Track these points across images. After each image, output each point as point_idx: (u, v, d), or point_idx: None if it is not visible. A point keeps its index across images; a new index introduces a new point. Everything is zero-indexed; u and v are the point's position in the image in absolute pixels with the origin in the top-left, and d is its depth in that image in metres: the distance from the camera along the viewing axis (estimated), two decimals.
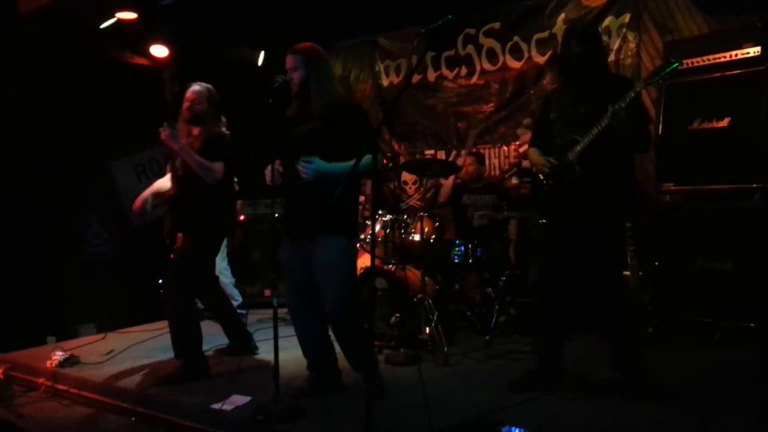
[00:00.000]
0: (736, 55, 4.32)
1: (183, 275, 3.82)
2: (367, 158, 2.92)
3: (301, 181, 3.13)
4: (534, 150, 3.49)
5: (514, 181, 5.28)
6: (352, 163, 3.09)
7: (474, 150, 5.89)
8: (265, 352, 4.31)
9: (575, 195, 3.20)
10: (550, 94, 3.69)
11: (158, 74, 5.99)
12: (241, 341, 4.39)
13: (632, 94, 3.00)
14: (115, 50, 5.89)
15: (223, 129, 3.91)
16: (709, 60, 4.44)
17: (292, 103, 3.31)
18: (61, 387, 4.04)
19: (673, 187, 4.51)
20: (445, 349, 4.08)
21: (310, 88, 3.24)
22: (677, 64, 3.03)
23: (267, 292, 6.03)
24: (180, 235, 3.99)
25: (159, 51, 5.87)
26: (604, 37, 5.27)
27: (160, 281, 5.93)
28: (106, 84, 5.70)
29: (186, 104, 3.84)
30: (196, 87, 3.88)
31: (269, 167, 3.26)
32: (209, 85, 3.93)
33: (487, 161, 5.90)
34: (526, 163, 5.36)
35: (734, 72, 4.31)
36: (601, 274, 3.20)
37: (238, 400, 3.38)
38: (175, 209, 3.91)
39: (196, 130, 3.81)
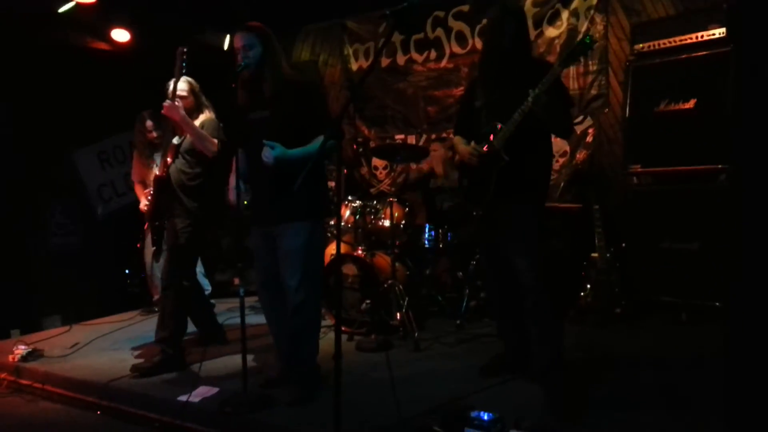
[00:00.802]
0: (702, 36, 4.35)
1: (180, 262, 3.81)
2: (321, 141, 2.89)
3: (264, 167, 3.06)
4: (459, 139, 3.42)
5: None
6: (313, 146, 3.06)
7: (443, 135, 5.86)
8: (233, 342, 4.25)
9: (503, 183, 3.13)
10: (472, 81, 3.60)
11: (120, 59, 5.82)
12: (211, 332, 4.33)
13: (551, 77, 2.93)
14: (74, 35, 5.71)
15: (212, 115, 3.90)
16: (675, 42, 4.47)
17: (241, 89, 3.19)
18: (24, 382, 3.96)
19: (640, 169, 4.54)
20: (416, 334, 4.07)
21: (265, 68, 3.16)
22: (591, 41, 2.96)
23: (236, 281, 5.96)
24: (171, 222, 3.88)
25: (120, 35, 5.71)
26: (572, 19, 5.27)
27: (127, 272, 5.88)
28: (67, 70, 5.53)
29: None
30: (179, 84, 3.76)
31: (230, 185, 3.26)
32: (188, 78, 3.85)
33: None
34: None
35: (700, 53, 4.34)
36: (522, 256, 3.11)
37: (206, 391, 3.33)
38: (160, 193, 3.81)
39: (182, 107, 3.72)
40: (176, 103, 3.63)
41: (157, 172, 3.83)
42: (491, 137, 3.13)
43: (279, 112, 3.13)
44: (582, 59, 5.16)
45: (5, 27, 5.00)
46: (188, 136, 3.76)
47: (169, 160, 3.77)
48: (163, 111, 3.62)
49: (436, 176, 5.32)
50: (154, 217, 3.85)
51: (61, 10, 5.19)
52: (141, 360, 3.94)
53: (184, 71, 3.59)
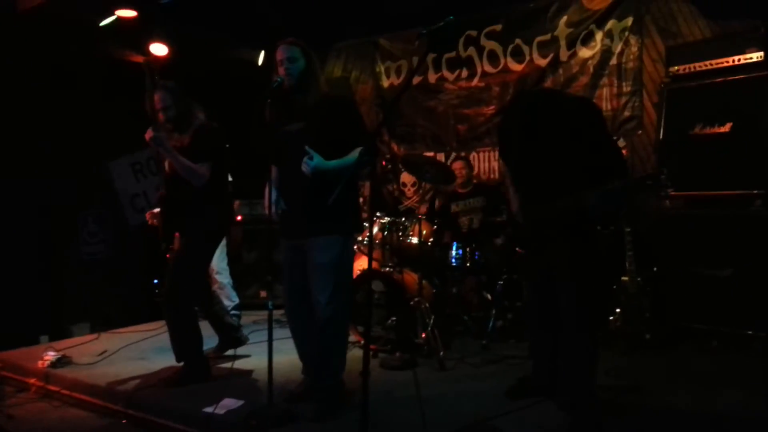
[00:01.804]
0: (739, 60, 4.28)
1: (180, 277, 3.77)
2: (357, 155, 2.97)
3: (297, 180, 3.09)
4: (509, 181, 3.45)
5: None
6: (348, 159, 3.07)
7: (462, 154, 5.86)
8: (259, 355, 4.26)
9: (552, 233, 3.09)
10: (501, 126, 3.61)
11: (157, 72, 5.94)
12: (230, 334, 4.34)
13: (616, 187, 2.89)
14: (114, 48, 5.84)
15: (202, 116, 3.85)
16: (711, 65, 4.41)
17: (273, 101, 3.18)
18: (52, 388, 4.00)
19: (673, 193, 4.46)
20: (441, 353, 4.03)
21: (309, 81, 3.20)
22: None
23: (262, 294, 5.99)
24: (177, 235, 3.93)
25: (158, 49, 5.82)
26: (606, 41, 5.25)
27: (156, 281, 5.94)
28: (105, 82, 5.66)
29: (159, 115, 3.72)
30: (156, 94, 3.73)
31: (266, 195, 3.26)
32: (167, 85, 3.77)
33: (486, 164, 5.87)
34: None
35: (736, 77, 4.27)
36: (569, 281, 3.04)
37: (231, 403, 3.33)
38: (166, 210, 3.84)
39: (164, 135, 3.67)
40: (159, 132, 3.57)
41: (161, 191, 3.85)
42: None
43: (316, 125, 3.16)
44: (616, 81, 5.17)
45: (49, 38, 5.13)
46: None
47: (167, 174, 3.76)
48: (147, 139, 3.57)
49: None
50: (165, 233, 3.87)
51: (103, 23, 5.31)
52: (167, 372, 3.96)
53: (156, 84, 3.60)
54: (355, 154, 3.10)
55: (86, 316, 5.41)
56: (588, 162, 2.99)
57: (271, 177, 3.33)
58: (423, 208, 5.47)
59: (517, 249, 3.30)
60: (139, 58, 5.94)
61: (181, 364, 3.83)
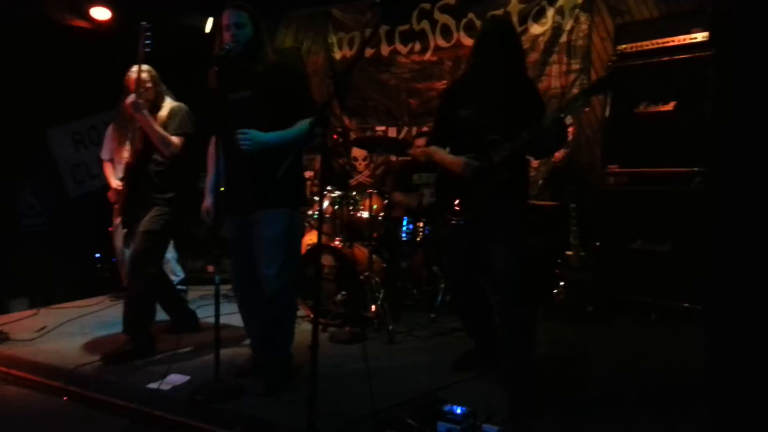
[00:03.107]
0: (685, 39, 4.38)
1: (147, 249, 3.72)
2: (305, 126, 2.96)
3: (241, 153, 3.02)
4: (436, 148, 3.38)
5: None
6: (290, 131, 3.03)
7: (424, 129, 5.83)
8: (206, 330, 4.20)
9: (493, 194, 3.12)
10: (451, 88, 3.56)
11: (99, 37, 5.69)
12: (184, 318, 4.28)
13: (561, 115, 3.04)
14: (53, 10, 5.57)
15: (174, 101, 3.84)
16: (657, 44, 4.50)
17: (215, 70, 3.10)
18: None
19: (617, 169, 4.58)
20: (391, 327, 4.06)
21: (257, 49, 3.12)
22: (586, 106, 3.05)
23: (210, 269, 5.90)
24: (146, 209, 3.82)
25: (100, 13, 5.58)
26: (557, 17, 5.28)
27: (98, 255, 5.77)
28: (43, 46, 5.39)
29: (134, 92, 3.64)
30: (133, 75, 3.69)
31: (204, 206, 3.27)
32: (147, 67, 3.75)
33: None
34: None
35: (682, 56, 4.38)
36: (507, 255, 3.08)
37: (177, 379, 3.29)
38: (132, 181, 3.73)
39: (144, 102, 3.64)
40: (140, 97, 3.56)
41: (127, 158, 3.75)
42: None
43: (262, 93, 3.08)
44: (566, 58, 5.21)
45: None
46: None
47: (138, 146, 3.68)
48: (126, 104, 3.55)
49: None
50: (128, 203, 3.77)
51: None
52: (110, 347, 3.86)
53: (148, 50, 3.52)
54: (299, 125, 3.06)
55: (25, 291, 5.21)
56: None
57: (210, 157, 3.24)
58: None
59: (451, 220, 3.25)
60: (81, 23, 5.69)
61: (127, 340, 3.75)
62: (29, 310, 4.98)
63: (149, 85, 3.75)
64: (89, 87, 5.57)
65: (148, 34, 3.50)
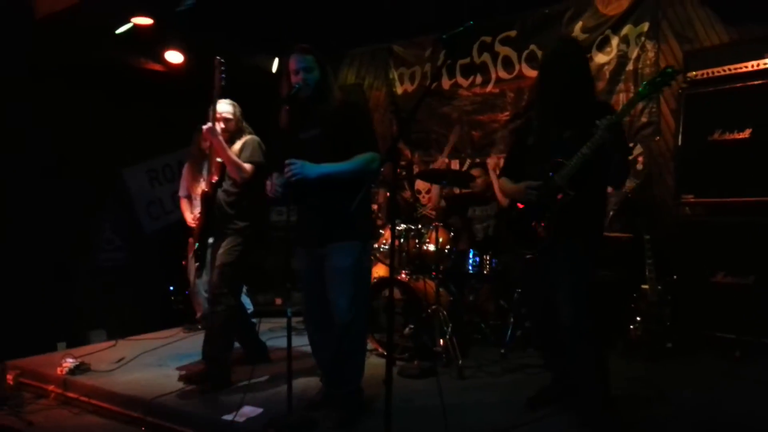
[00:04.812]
0: (758, 65, 4.24)
1: (226, 282, 3.84)
2: (366, 157, 3.05)
3: (312, 187, 3.10)
4: (504, 180, 3.33)
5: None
6: (345, 163, 3.09)
7: (477, 161, 5.83)
8: (277, 362, 4.25)
9: (562, 222, 3.00)
10: (523, 123, 3.51)
11: (171, 79, 5.97)
12: (255, 350, 4.35)
13: (628, 107, 2.95)
14: (129, 56, 5.88)
15: (253, 136, 3.99)
16: (729, 70, 4.37)
17: (286, 109, 3.21)
18: (71, 395, 4.01)
19: (692, 199, 4.43)
20: (460, 362, 4.01)
21: (325, 89, 3.21)
22: (673, 71, 2.82)
23: (278, 301, 5.99)
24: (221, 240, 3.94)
25: (174, 57, 5.85)
26: (622, 46, 5.21)
27: (171, 288, 5.96)
28: (120, 90, 5.69)
29: (219, 123, 3.83)
30: (224, 107, 3.90)
31: (269, 178, 3.23)
32: (233, 102, 3.98)
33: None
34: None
35: (755, 82, 4.24)
36: (570, 292, 2.98)
37: (250, 411, 3.33)
38: (207, 212, 3.87)
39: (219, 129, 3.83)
40: (217, 125, 3.72)
41: (204, 188, 3.89)
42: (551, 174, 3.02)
43: (331, 131, 3.17)
44: (633, 87, 5.12)
45: (65, 44, 5.17)
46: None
47: (215, 178, 3.82)
48: (203, 130, 3.72)
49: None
50: (203, 233, 3.89)
51: (119, 31, 5.34)
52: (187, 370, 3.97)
53: (223, 83, 3.67)
54: (357, 159, 3.11)
55: (103, 323, 5.43)
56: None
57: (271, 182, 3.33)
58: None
59: (527, 256, 3.19)
60: (156, 66, 5.98)
61: (203, 368, 3.85)
62: (108, 341, 5.17)
63: (230, 117, 3.92)
64: (163, 127, 5.85)
65: (223, 68, 3.66)
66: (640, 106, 5.13)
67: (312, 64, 3.19)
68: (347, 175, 3.07)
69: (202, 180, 4.16)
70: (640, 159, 5.08)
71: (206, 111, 3.83)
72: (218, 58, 3.68)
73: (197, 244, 3.92)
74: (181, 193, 4.98)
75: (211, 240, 3.98)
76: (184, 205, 4.91)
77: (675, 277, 4.34)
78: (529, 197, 3.10)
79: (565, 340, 3.03)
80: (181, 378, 3.82)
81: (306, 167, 3.06)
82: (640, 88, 2.95)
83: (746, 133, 4.26)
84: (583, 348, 2.98)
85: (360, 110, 3.44)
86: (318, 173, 3.07)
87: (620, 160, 2.98)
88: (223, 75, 3.68)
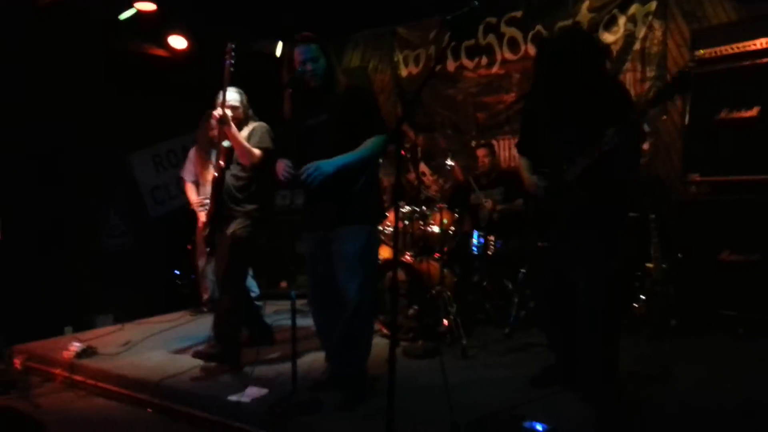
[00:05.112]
0: (766, 43, 4.18)
1: (235, 261, 3.86)
2: (375, 141, 3.06)
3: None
4: (524, 161, 3.29)
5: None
6: (358, 151, 3.09)
7: (483, 142, 5.79)
8: (282, 344, 4.27)
9: (577, 216, 2.95)
10: (531, 96, 3.43)
11: (175, 65, 5.95)
12: (261, 332, 4.37)
13: (636, 118, 2.81)
14: (133, 41, 5.87)
15: (260, 122, 3.98)
16: (738, 48, 4.31)
17: (289, 94, 3.20)
18: (78, 378, 4.05)
19: (699, 178, 4.40)
20: (464, 341, 4.01)
21: (332, 77, 3.21)
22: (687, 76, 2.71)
23: (283, 284, 6.00)
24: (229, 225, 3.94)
25: (177, 42, 5.83)
26: (629, 25, 5.16)
27: (177, 272, 5.98)
28: (124, 75, 5.69)
29: (225, 110, 3.78)
30: (231, 95, 3.88)
31: (280, 162, 3.22)
32: (240, 90, 3.97)
33: (507, 152, 5.82)
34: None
35: (764, 60, 4.18)
36: (590, 284, 2.96)
37: (256, 392, 3.35)
38: (218, 197, 3.87)
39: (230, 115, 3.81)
40: (227, 111, 3.71)
41: (209, 179, 3.89)
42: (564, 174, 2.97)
43: (338, 117, 3.16)
44: (640, 66, 5.07)
45: (70, 33, 5.16)
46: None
47: (222, 163, 3.82)
48: (214, 117, 3.73)
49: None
50: (213, 218, 3.89)
51: (122, 17, 5.33)
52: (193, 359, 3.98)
53: (233, 68, 3.66)
54: (368, 143, 3.11)
55: (110, 308, 5.46)
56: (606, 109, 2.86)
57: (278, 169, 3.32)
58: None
59: (538, 244, 3.19)
60: (160, 51, 5.97)
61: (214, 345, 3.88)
62: (114, 325, 5.21)
63: (237, 104, 3.91)
64: (167, 112, 5.84)
65: (233, 54, 3.64)
66: (647, 85, 5.09)
67: (317, 53, 3.18)
68: (361, 162, 3.08)
69: (211, 166, 4.16)
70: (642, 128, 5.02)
71: (212, 97, 3.83)
72: (230, 44, 3.66)
73: (207, 230, 3.92)
74: (187, 177, 4.99)
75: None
76: (189, 189, 4.91)
77: (680, 255, 4.31)
78: (537, 193, 3.11)
79: (583, 321, 3.00)
80: (195, 354, 3.84)
81: (322, 167, 3.04)
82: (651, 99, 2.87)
83: (754, 112, 4.21)
84: (606, 332, 2.96)
85: (366, 93, 3.45)
86: (334, 167, 3.06)
87: (630, 156, 2.94)
88: (233, 61, 3.66)
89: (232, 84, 3.85)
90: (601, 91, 2.96)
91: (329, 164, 3.06)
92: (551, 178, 3.05)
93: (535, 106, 3.29)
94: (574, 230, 2.99)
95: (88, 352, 4.26)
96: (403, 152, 5.96)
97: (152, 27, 5.70)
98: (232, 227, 3.86)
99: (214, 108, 3.75)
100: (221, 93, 3.72)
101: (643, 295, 4.26)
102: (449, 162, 5.07)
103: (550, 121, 3.09)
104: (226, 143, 3.81)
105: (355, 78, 6.60)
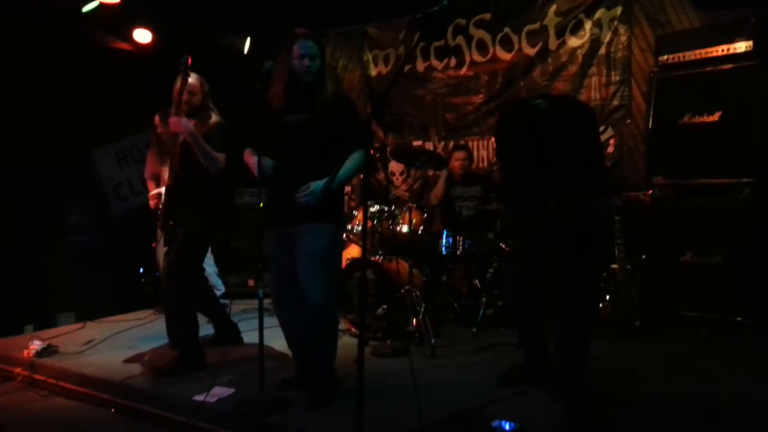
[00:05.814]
0: (728, 49, 4.30)
1: (183, 265, 3.76)
2: (359, 157, 3.07)
3: (292, 169, 3.09)
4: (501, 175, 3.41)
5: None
6: (348, 168, 3.10)
7: (462, 142, 5.84)
8: (249, 343, 4.23)
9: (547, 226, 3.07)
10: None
11: (140, 59, 5.84)
12: (227, 331, 4.31)
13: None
14: (96, 35, 5.74)
15: (218, 118, 3.87)
16: (700, 54, 4.42)
17: (275, 92, 3.19)
18: (38, 377, 3.94)
19: (662, 181, 4.50)
20: (433, 341, 4.03)
21: (323, 77, 3.21)
22: None
23: (251, 282, 5.94)
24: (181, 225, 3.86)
25: (142, 36, 5.72)
26: (595, 30, 5.24)
27: (141, 270, 5.87)
28: (87, 69, 5.56)
29: (183, 96, 3.70)
30: (190, 80, 3.76)
31: (255, 158, 3.18)
32: (200, 76, 3.86)
33: (475, 153, 5.86)
34: None
35: (725, 66, 4.30)
36: (566, 287, 3.03)
37: (222, 391, 3.31)
38: (172, 198, 3.79)
39: (192, 123, 3.69)
40: (188, 102, 3.65)
41: (166, 178, 3.80)
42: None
43: (326, 118, 3.15)
44: (605, 70, 5.17)
45: (29, 26, 5.02)
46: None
47: (177, 162, 3.74)
48: (170, 128, 3.62)
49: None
50: (166, 219, 3.82)
51: (85, 9, 5.20)
52: (159, 360, 3.91)
53: (188, 81, 3.62)
54: (352, 160, 3.11)
55: (71, 306, 5.33)
56: (580, 173, 2.98)
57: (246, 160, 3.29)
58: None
59: (502, 245, 3.27)
60: (124, 45, 5.84)
61: (174, 354, 3.80)
62: (76, 323, 5.07)
63: (196, 91, 3.80)
64: (131, 107, 5.72)
65: (188, 67, 3.58)
66: (611, 89, 5.18)
67: (317, 51, 3.18)
68: (349, 179, 3.12)
69: (167, 164, 4.08)
70: (612, 141, 5.11)
71: (167, 93, 3.74)
72: (184, 56, 3.57)
73: (163, 229, 3.85)
74: (147, 174, 4.89)
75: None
76: (151, 186, 4.82)
77: (644, 257, 4.41)
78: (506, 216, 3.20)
79: (560, 322, 3.06)
80: (157, 373, 3.70)
81: (317, 188, 3.05)
82: None
83: (715, 116, 4.32)
84: (578, 332, 3.01)
85: (354, 105, 3.44)
86: (326, 190, 3.04)
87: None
88: (188, 72, 3.60)
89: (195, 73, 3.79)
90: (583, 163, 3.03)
91: (323, 187, 3.04)
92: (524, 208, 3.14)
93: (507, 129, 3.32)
94: (547, 236, 3.05)
95: (49, 350, 4.16)
96: (371, 152, 5.99)
97: (116, 20, 5.59)
98: (185, 227, 3.77)
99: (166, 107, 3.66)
100: (173, 106, 3.65)
101: (607, 295, 4.34)
102: None
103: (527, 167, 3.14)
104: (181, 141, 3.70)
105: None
